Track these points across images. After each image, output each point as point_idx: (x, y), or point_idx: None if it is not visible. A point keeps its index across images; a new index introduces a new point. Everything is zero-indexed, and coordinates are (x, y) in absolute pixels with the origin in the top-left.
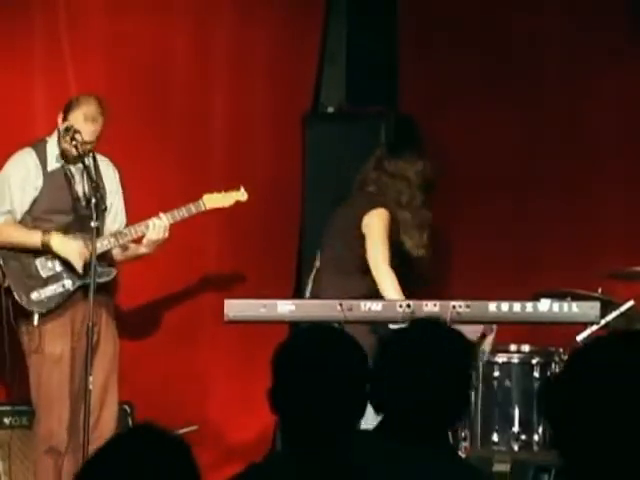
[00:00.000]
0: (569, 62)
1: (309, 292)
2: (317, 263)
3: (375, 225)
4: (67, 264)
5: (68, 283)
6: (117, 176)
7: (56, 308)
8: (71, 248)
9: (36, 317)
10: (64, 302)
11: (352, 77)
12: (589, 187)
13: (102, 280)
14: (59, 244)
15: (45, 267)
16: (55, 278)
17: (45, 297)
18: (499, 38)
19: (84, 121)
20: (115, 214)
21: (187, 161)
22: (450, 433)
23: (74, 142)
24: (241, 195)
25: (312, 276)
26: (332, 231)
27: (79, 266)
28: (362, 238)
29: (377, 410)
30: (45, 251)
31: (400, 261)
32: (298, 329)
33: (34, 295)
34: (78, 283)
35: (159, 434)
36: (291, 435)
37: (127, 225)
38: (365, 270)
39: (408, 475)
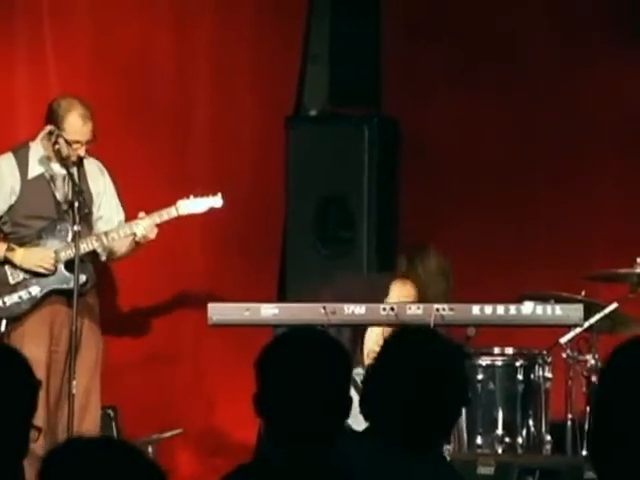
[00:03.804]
0: (558, 61)
1: None
2: None
3: None
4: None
5: (35, 290)
6: (106, 177)
7: (24, 314)
8: (32, 262)
9: (4, 323)
10: (36, 307)
11: (335, 78)
12: (574, 189)
13: (69, 287)
14: (21, 259)
15: (14, 274)
16: (22, 285)
17: (12, 303)
18: (485, 39)
19: (83, 123)
20: (109, 216)
21: (169, 162)
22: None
23: (57, 146)
24: (216, 201)
25: None
26: None
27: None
28: None
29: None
30: None
31: None
32: (281, 332)
33: (1, 302)
34: (47, 289)
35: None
36: (277, 437)
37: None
38: None
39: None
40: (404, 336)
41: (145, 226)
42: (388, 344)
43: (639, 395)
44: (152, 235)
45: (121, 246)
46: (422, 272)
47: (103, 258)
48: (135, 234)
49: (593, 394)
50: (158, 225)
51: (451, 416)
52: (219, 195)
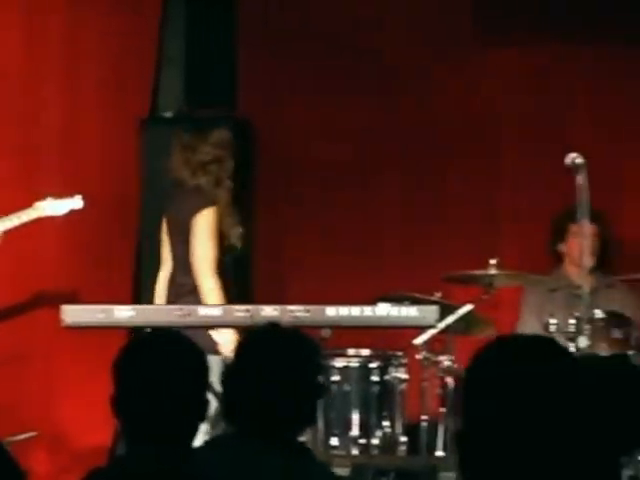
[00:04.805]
0: (407, 55)
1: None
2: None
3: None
4: None
5: None
6: None
7: None
8: None
9: None
10: None
11: (190, 80)
12: (428, 191)
13: None
14: None
15: None
16: None
17: None
18: (340, 37)
19: None
20: None
21: (21, 164)
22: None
23: None
24: (77, 203)
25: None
26: None
27: None
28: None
29: (228, 417)
30: None
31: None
32: (138, 334)
33: None
34: None
35: None
36: (133, 438)
37: None
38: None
39: (261, 476)
40: (254, 335)
41: None
42: (240, 345)
43: (505, 395)
44: None
45: None
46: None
47: None
48: None
49: (455, 395)
50: (16, 227)
51: (307, 407)
52: (79, 196)
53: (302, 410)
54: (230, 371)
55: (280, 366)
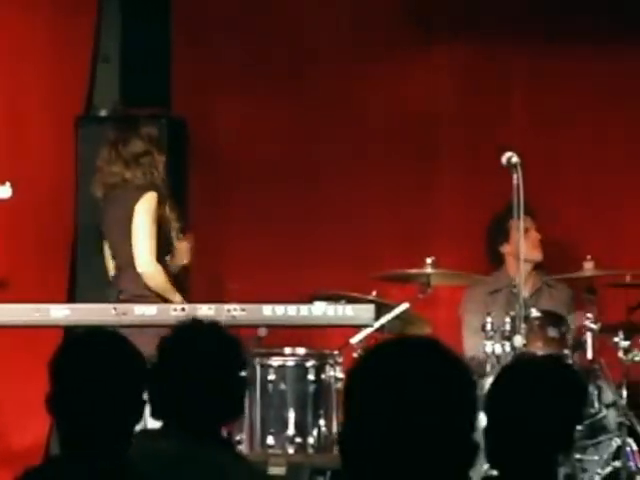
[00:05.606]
0: (345, 54)
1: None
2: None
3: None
4: None
5: None
6: None
7: None
8: None
9: None
10: None
11: (126, 79)
12: (364, 189)
13: None
14: None
15: None
16: None
17: None
18: (274, 39)
19: None
20: None
21: None
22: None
23: None
24: (5, 191)
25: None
26: None
27: None
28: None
29: (154, 414)
30: None
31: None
32: (74, 333)
33: None
34: None
35: None
36: (68, 438)
37: None
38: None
39: (189, 474)
40: (175, 332)
41: None
42: (162, 342)
43: (387, 396)
44: None
45: None
46: (129, 156)
47: None
48: None
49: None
50: None
51: (231, 402)
52: (7, 184)
53: (226, 405)
54: (153, 369)
55: (201, 362)
